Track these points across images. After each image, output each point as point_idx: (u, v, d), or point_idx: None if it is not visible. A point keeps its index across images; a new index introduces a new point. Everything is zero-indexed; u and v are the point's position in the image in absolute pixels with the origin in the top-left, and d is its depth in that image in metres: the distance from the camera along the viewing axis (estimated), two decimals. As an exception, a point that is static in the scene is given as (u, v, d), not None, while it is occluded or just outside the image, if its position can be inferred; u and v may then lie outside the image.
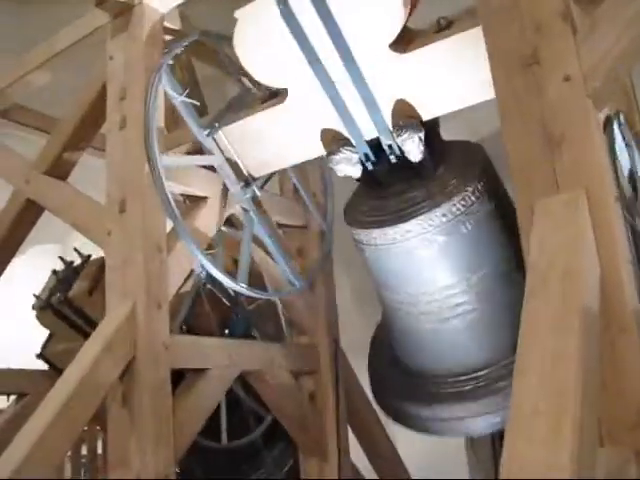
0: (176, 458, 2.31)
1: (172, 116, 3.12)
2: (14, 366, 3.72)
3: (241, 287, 2.49)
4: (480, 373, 2.56)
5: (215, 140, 2.62)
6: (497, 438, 4.75)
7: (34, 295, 3.56)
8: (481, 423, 2.56)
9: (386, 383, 2.89)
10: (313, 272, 3.01)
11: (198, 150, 2.90)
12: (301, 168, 3.08)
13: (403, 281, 2.57)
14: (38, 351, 3.74)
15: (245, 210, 2.75)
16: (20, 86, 3.43)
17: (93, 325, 2.78)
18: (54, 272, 3.62)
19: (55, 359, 3.64)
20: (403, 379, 2.77)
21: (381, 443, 3.33)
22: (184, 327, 2.96)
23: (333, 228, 3.21)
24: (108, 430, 2.33)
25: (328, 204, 3.25)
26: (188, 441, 2.43)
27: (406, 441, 3.42)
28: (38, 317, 3.59)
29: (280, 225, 3.09)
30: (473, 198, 2.41)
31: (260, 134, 2.57)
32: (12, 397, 3.69)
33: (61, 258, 3.66)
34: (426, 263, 2.48)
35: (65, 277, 3.48)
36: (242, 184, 2.66)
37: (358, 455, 3.26)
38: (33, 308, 3.58)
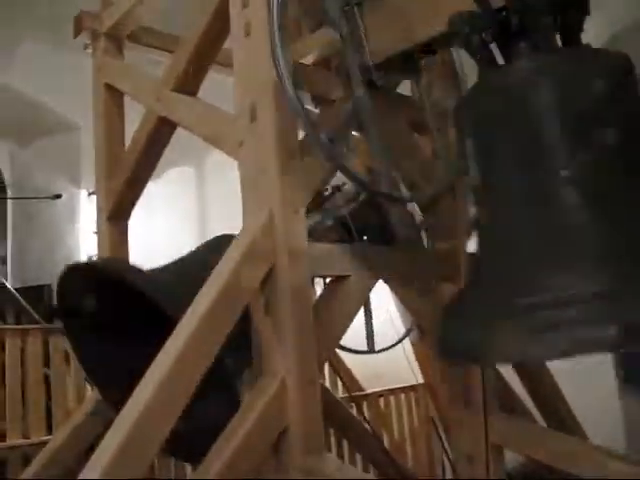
0: (320, 364, 2.31)
1: (297, 27, 3.04)
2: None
3: (379, 191, 2.40)
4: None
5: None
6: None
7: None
8: None
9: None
10: (452, 175, 2.87)
11: (323, 60, 2.80)
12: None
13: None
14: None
15: None
16: (143, 8, 3.43)
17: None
18: None
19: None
20: None
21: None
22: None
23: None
24: (252, 337, 2.34)
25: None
26: (332, 347, 2.43)
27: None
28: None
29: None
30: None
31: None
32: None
33: None
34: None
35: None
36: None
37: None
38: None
